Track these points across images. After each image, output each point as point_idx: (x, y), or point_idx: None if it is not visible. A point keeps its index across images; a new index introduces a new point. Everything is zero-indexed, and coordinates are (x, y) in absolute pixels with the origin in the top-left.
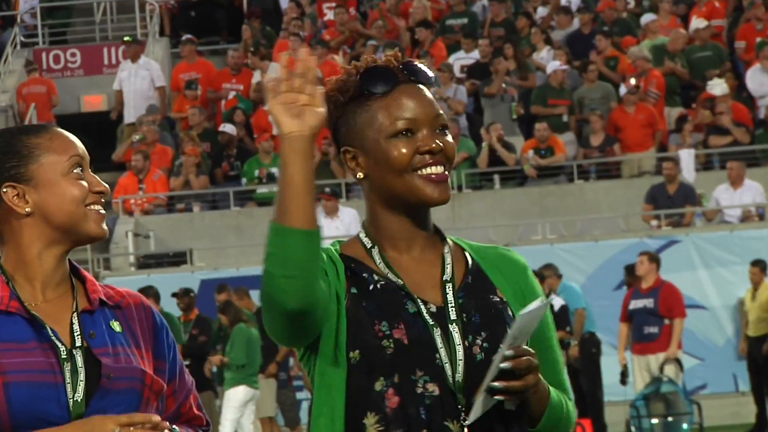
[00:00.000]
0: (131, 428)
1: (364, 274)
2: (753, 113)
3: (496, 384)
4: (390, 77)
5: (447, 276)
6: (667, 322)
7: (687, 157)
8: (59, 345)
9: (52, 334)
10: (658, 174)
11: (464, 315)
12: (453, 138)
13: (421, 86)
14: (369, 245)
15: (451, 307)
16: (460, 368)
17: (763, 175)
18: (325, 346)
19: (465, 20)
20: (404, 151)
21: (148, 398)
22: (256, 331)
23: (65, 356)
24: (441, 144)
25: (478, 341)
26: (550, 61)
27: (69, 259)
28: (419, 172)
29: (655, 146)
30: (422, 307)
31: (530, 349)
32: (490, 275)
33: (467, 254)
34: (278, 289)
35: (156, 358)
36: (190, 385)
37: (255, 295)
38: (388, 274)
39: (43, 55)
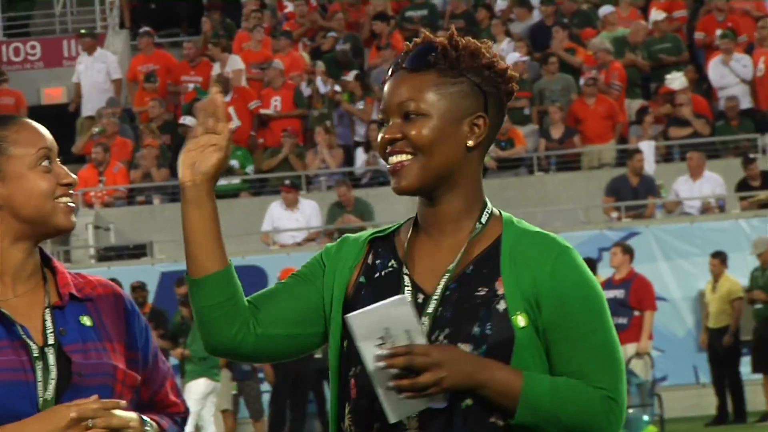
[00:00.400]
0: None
1: (378, 261)
2: (713, 105)
3: (390, 384)
4: (394, 65)
5: (451, 265)
6: (637, 313)
7: (647, 149)
8: (30, 343)
9: (22, 332)
10: (619, 166)
11: (440, 308)
12: None
13: (409, 72)
14: (409, 228)
15: (434, 298)
16: None
17: (723, 167)
18: (332, 338)
19: (425, 12)
20: (378, 140)
21: (121, 393)
22: None
23: (37, 354)
24: (397, 134)
25: (441, 336)
26: (510, 53)
27: (40, 248)
28: (387, 161)
29: (615, 138)
30: (410, 296)
31: (415, 347)
32: (504, 264)
33: (499, 239)
34: (202, 333)
35: (128, 349)
36: (165, 371)
37: None
38: (403, 260)
39: (3, 47)
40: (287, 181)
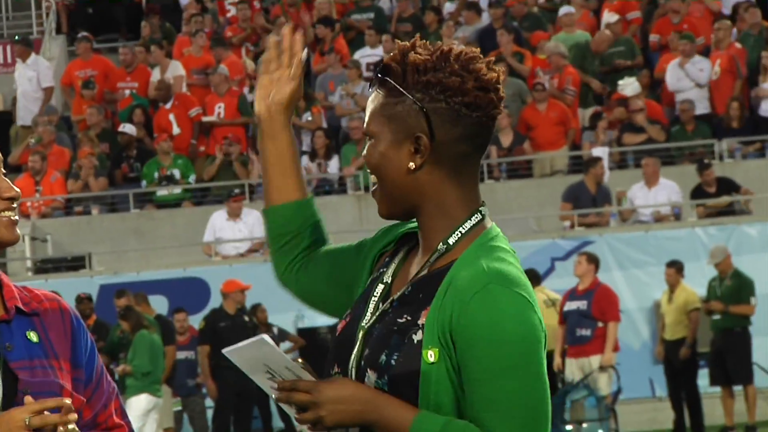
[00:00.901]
0: (45, 413)
1: (389, 258)
2: (668, 110)
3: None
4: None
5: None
6: (600, 324)
7: (601, 156)
8: None
9: None
10: (572, 173)
11: (376, 325)
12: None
13: (372, 91)
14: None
15: (371, 313)
16: (353, 376)
17: (679, 174)
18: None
19: (371, 15)
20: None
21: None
22: (158, 338)
23: None
24: (361, 158)
25: (361, 358)
26: None
27: None
28: None
29: (567, 145)
30: (373, 307)
31: (300, 383)
32: (438, 294)
33: (451, 264)
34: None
35: (74, 367)
36: (110, 392)
37: (154, 301)
38: (390, 267)
39: None
40: (236, 191)
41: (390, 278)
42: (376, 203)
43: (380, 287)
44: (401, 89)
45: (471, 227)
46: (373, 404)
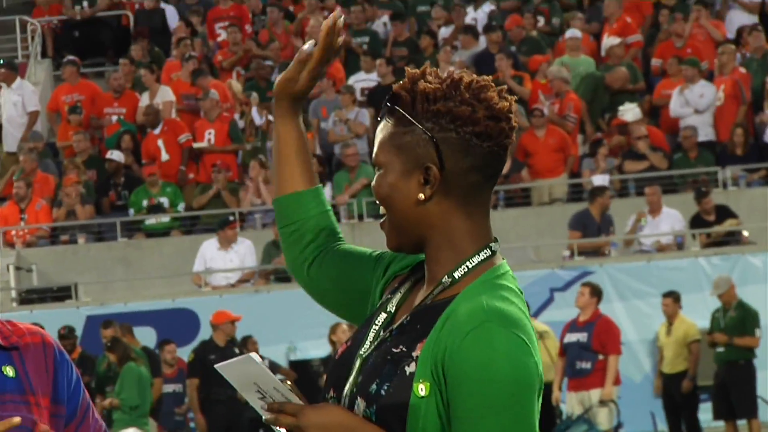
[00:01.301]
0: None
1: (398, 284)
2: (670, 137)
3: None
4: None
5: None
6: (601, 357)
7: (600, 183)
8: None
9: None
10: (572, 201)
11: (373, 352)
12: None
13: (380, 121)
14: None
15: (370, 341)
16: (346, 403)
17: (681, 202)
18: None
19: (366, 38)
20: None
21: None
22: (146, 370)
23: None
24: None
25: (355, 385)
26: None
27: None
28: None
29: (566, 172)
30: (373, 335)
31: (288, 406)
32: (436, 327)
33: (452, 299)
34: None
35: (54, 402)
36: (97, 428)
37: (142, 332)
38: (395, 296)
39: None
40: (231, 218)
41: (394, 308)
42: (385, 235)
43: (383, 316)
44: (410, 118)
45: (479, 263)
46: (347, 426)
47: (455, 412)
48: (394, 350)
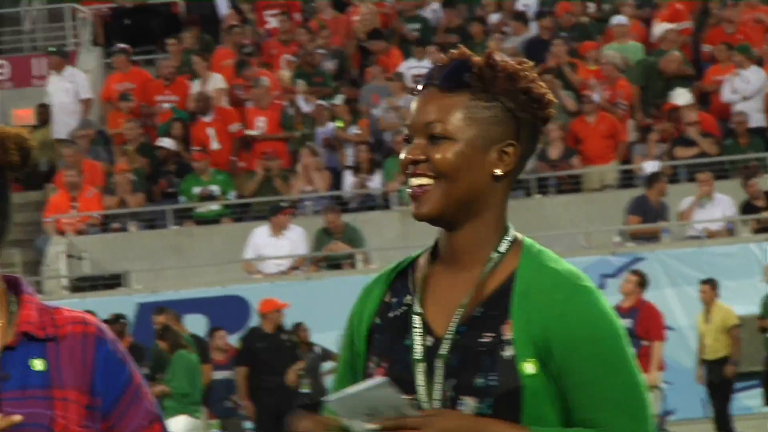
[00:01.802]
0: None
1: (394, 299)
2: (722, 122)
3: None
4: (425, 80)
5: (463, 302)
6: (645, 343)
7: (652, 170)
8: None
9: None
10: (623, 188)
11: (450, 355)
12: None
13: (440, 90)
14: (427, 258)
15: (446, 340)
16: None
17: (732, 188)
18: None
19: (417, 25)
20: (401, 158)
21: None
22: (196, 357)
23: None
24: (420, 155)
25: (449, 388)
26: None
27: (17, 279)
28: (408, 182)
29: (617, 158)
30: (419, 338)
31: (407, 420)
32: (515, 305)
33: (513, 274)
34: None
35: (88, 394)
36: (141, 420)
37: (193, 319)
38: (415, 297)
39: None
40: (283, 204)
41: (419, 307)
42: (423, 202)
43: (416, 318)
44: (494, 94)
45: (515, 238)
46: (474, 428)
47: (573, 379)
48: (482, 341)
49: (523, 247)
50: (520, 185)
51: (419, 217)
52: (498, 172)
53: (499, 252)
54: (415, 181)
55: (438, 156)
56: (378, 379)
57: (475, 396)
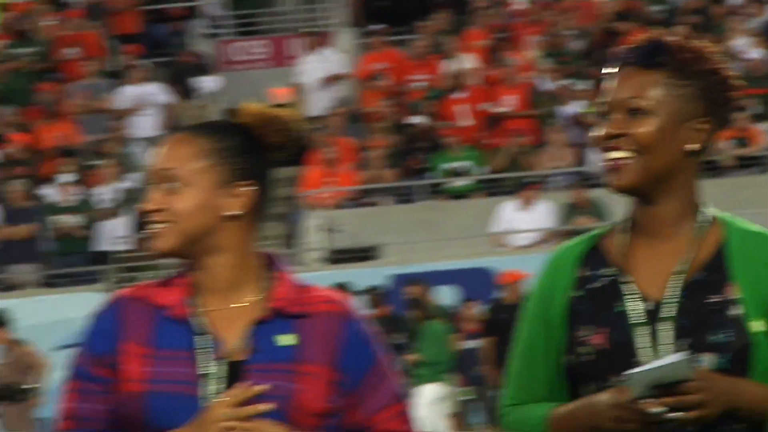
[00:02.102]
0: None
1: (593, 272)
2: None
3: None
4: (621, 59)
5: (676, 268)
6: None
7: None
8: (206, 357)
9: (203, 345)
10: None
11: (678, 316)
12: None
13: (637, 68)
14: (620, 232)
15: (667, 303)
16: None
17: None
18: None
19: (661, 7)
20: (599, 134)
21: (298, 420)
22: (446, 327)
23: (209, 371)
24: (620, 130)
25: (683, 343)
26: (746, 50)
27: (274, 255)
28: (605, 156)
29: None
30: (633, 305)
31: (690, 385)
32: (734, 267)
33: (722, 242)
34: None
35: (336, 370)
36: (387, 399)
37: (441, 291)
38: (619, 268)
39: (228, 47)
40: (531, 179)
41: (628, 276)
42: (621, 174)
43: (629, 286)
44: (687, 74)
45: (709, 210)
46: (736, 390)
47: None
48: (709, 301)
49: (722, 220)
50: (759, 161)
51: (618, 189)
52: (691, 147)
53: (703, 223)
54: (614, 155)
55: (639, 130)
56: (682, 357)
57: (714, 352)
